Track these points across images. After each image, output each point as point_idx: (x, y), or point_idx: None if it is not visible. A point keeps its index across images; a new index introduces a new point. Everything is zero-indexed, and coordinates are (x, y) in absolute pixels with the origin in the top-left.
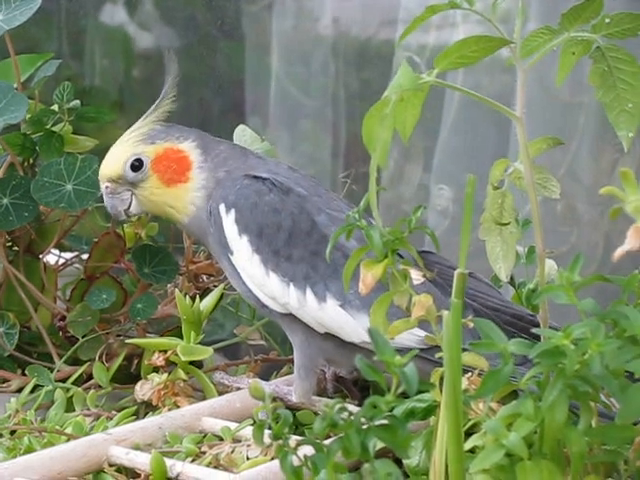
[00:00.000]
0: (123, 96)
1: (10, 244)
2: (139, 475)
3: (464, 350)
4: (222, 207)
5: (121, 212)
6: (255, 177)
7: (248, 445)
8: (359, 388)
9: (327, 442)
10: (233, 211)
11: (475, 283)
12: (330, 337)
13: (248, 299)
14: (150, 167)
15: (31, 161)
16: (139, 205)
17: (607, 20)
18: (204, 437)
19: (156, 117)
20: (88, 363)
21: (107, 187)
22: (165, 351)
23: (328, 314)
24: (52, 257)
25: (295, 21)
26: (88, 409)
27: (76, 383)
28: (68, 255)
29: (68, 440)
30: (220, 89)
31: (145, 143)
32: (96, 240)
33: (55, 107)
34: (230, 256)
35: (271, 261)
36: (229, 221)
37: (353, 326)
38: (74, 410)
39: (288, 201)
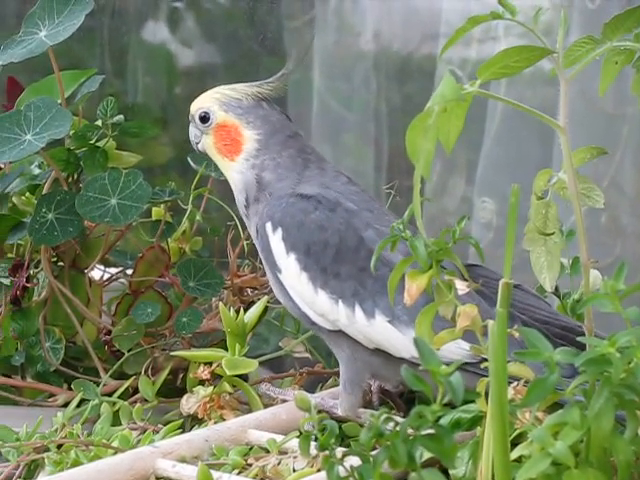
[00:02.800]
0: (166, 113)
1: (55, 259)
2: None
3: (510, 360)
4: (269, 225)
5: (194, 142)
6: (301, 195)
7: (294, 457)
8: (404, 401)
9: (374, 453)
10: (280, 229)
11: (523, 295)
12: (378, 352)
13: (297, 316)
14: (213, 128)
15: (75, 176)
16: (203, 147)
17: None
18: (250, 449)
19: (256, 91)
20: (134, 377)
21: (191, 117)
22: (210, 364)
23: (377, 330)
24: (97, 272)
25: (337, 36)
26: (134, 423)
27: (122, 397)
28: (113, 270)
29: (115, 453)
30: None
31: (221, 106)
32: (141, 255)
33: (99, 122)
34: (278, 274)
35: (319, 279)
36: (276, 239)
37: (402, 342)
38: (120, 424)
39: (334, 218)
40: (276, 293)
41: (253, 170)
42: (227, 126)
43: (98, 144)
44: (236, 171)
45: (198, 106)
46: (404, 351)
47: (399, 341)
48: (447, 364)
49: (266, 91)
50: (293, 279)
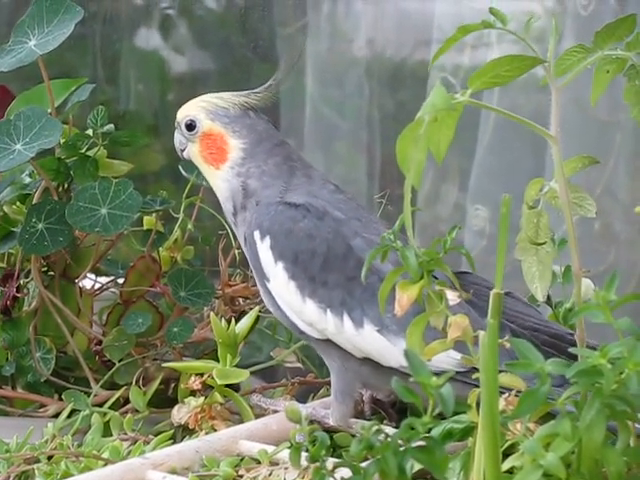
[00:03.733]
0: (158, 120)
1: (46, 269)
2: None
3: (501, 371)
4: (257, 234)
5: (179, 149)
6: (289, 203)
7: (285, 468)
8: (396, 410)
9: (364, 464)
10: (268, 238)
11: (513, 302)
12: (368, 362)
13: (286, 325)
14: (199, 136)
15: (66, 186)
16: (188, 154)
17: None
18: (241, 460)
19: (243, 101)
20: (125, 387)
21: (177, 124)
22: (202, 374)
23: (366, 339)
24: (88, 282)
25: (329, 43)
26: (125, 433)
27: (113, 407)
28: (104, 280)
29: (105, 465)
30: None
31: (208, 115)
32: (132, 264)
33: (89, 132)
34: (267, 283)
35: (307, 287)
36: (264, 248)
37: (391, 351)
38: (111, 435)
39: (323, 226)
40: (265, 302)
41: (239, 178)
42: (213, 135)
43: (88, 153)
44: (221, 179)
45: (185, 114)
46: (393, 361)
47: (388, 351)
48: (438, 374)
49: (253, 101)
50: (281, 288)
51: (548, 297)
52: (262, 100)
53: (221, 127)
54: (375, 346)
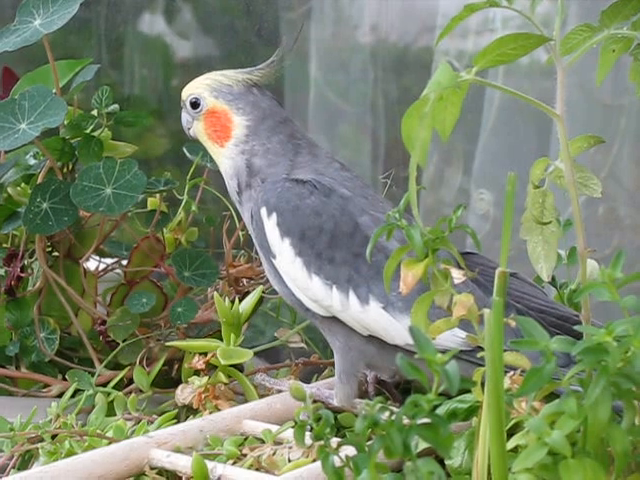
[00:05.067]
0: (162, 105)
1: (50, 249)
2: (180, 478)
3: (506, 350)
4: (263, 210)
5: (185, 128)
6: (296, 180)
7: (290, 447)
8: (400, 391)
9: (369, 443)
10: (275, 214)
11: (519, 284)
12: (372, 340)
13: (291, 302)
14: (203, 114)
15: (70, 166)
16: (194, 133)
17: None
18: (245, 440)
19: (246, 78)
20: (128, 367)
21: (183, 102)
22: (205, 354)
23: (371, 316)
24: (93, 263)
25: (333, 28)
26: (129, 413)
27: (117, 387)
28: (108, 261)
29: (109, 444)
30: None
31: (212, 92)
32: (136, 245)
33: (94, 112)
34: (272, 260)
35: (314, 264)
36: (271, 224)
37: (397, 328)
38: (115, 414)
39: (330, 203)
40: (271, 280)
41: (243, 155)
42: (217, 112)
43: (93, 134)
44: (226, 157)
45: (189, 92)
46: (398, 338)
47: (393, 328)
48: (443, 352)
49: (256, 77)
50: (287, 264)
51: (553, 278)
52: (265, 77)
53: (225, 104)
54: (380, 323)
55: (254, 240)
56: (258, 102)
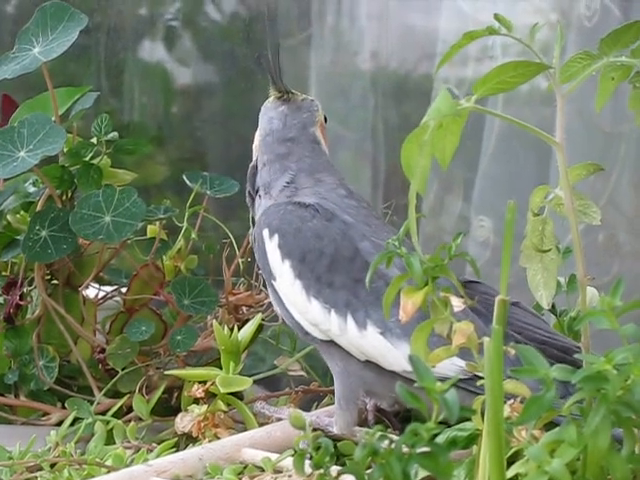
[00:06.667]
0: (162, 132)
1: (49, 277)
2: None
3: (506, 378)
4: (266, 232)
5: None
6: (299, 203)
7: (289, 476)
8: (400, 420)
9: (368, 471)
10: (276, 236)
11: (522, 314)
12: (371, 366)
13: (292, 325)
14: None
15: (69, 194)
16: None
17: None
18: (245, 468)
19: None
20: (128, 396)
21: None
22: (205, 382)
23: (369, 342)
24: (92, 291)
25: (333, 55)
26: (128, 441)
27: (116, 416)
28: (108, 289)
29: (108, 472)
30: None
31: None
32: (135, 272)
33: (94, 140)
34: (273, 282)
35: (313, 287)
36: (272, 246)
37: (394, 354)
38: (114, 443)
39: (331, 227)
40: (273, 302)
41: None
42: None
43: (93, 161)
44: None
45: None
46: (395, 365)
47: (391, 354)
48: (442, 380)
49: (274, 92)
50: (287, 287)
51: (553, 306)
52: (278, 84)
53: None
54: (378, 349)
55: (257, 262)
56: (272, 119)
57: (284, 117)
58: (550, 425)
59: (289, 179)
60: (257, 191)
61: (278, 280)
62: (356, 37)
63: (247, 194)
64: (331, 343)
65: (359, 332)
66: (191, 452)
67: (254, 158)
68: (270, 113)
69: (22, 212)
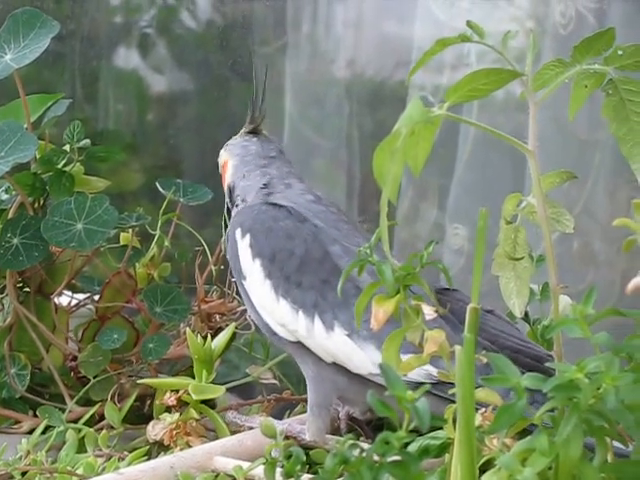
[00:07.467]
0: (137, 139)
1: (21, 285)
2: None
3: (477, 387)
4: (238, 232)
5: None
6: (273, 204)
7: None
8: (372, 428)
9: None
10: (248, 235)
11: (496, 321)
12: (342, 370)
13: (261, 326)
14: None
15: (41, 201)
16: None
17: (620, 52)
18: (216, 476)
19: (244, 131)
20: (100, 404)
21: None
22: (177, 391)
23: (335, 343)
24: (65, 299)
25: (309, 63)
26: (100, 450)
27: (88, 424)
28: (81, 296)
29: None
30: (234, 131)
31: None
32: (107, 280)
33: (66, 147)
34: (243, 282)
35: (282, 287)
36: (243, 245)
37: (361, 357)
38: (86, 451)
39: (303, 228)
40: (245, 302)
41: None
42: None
43: (65, 169)
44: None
45: None
46: (362, 367)
47: (357, 356)
48: (413, 385)
49: (249, 127)
50: (256, 286)
51: (526, 314)
52: (254, 121)
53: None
54: (344, 351)
55: (229, 262)
56: (248, 146)
57: (260, 144)
58: (522, 433)
59: (266, 181)
60: (235, 205)
61: (248, 279)
62: (332, 45)
63: (225, 211)
64: (300, 345)
65: (326, 333)
66: (162, 460)
67: (228, 181)
68: (244, 143)
69: None
